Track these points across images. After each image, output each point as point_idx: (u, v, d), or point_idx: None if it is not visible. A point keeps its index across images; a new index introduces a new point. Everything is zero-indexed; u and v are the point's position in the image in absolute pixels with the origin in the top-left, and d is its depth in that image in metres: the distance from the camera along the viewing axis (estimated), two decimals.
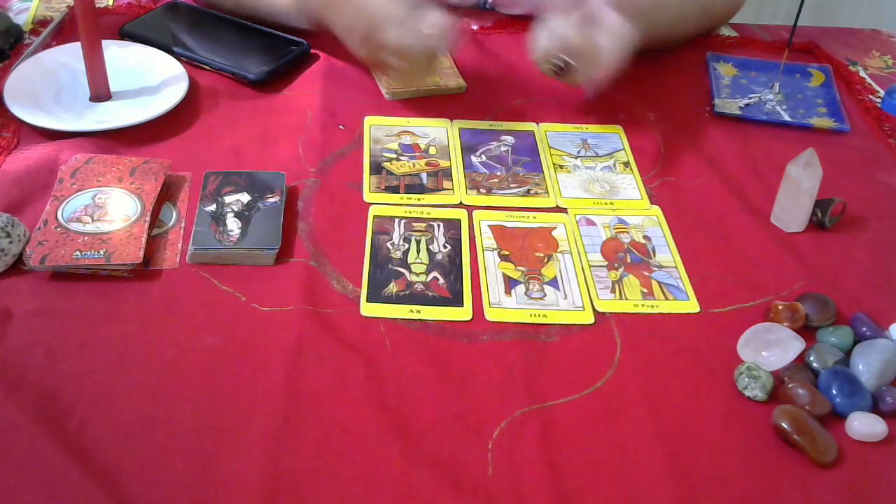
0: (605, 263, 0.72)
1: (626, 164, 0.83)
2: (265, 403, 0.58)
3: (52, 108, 0.81)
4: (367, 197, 0.76)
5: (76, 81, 0.84)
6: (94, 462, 0.53)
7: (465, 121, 0.87)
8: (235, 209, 0.72)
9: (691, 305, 0.68)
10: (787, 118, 0.91)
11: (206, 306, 0.65)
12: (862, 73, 1.01)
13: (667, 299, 0.69)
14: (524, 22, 1.03)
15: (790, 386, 0.61)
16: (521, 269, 0.70)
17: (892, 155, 0.88)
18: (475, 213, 0.75)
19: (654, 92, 0.94)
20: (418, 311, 0.66)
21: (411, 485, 0.54)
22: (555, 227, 0.75)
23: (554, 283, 0.69)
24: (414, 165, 0.80)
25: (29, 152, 0.77)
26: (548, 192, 0.79)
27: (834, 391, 0.61)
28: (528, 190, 0.79)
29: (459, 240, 0.73)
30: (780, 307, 0.67)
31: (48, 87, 0.84)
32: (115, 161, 0.75)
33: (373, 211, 0.75)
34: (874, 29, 1.12)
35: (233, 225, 0.70)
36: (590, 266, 0.71)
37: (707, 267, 0.72)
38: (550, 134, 0.86)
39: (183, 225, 0.71)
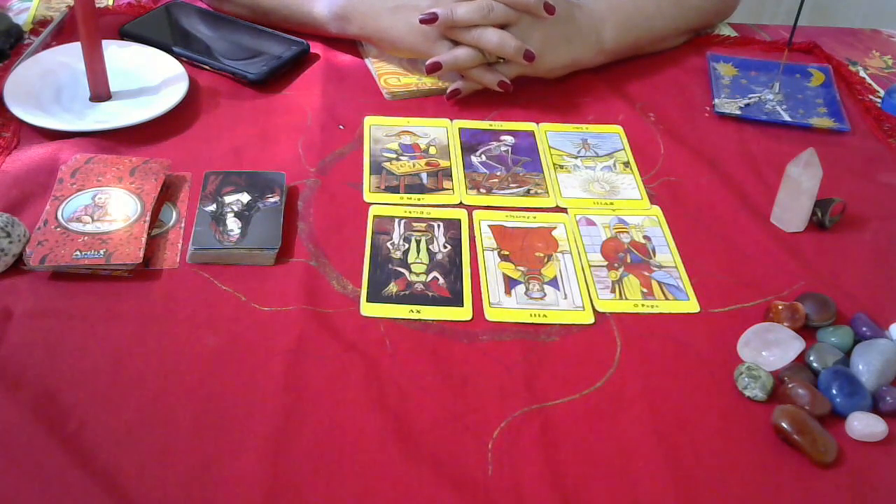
0: (605, 263, 0.72)
1: (626, 164, 0.83)
2: (265, 403, 0.58)
3: (52, 108, 0.81)
4: (367, 197, 0.76)
5: (76, 81, 0.84)
6: (94, 462, 0.53)
7: (465, 121, 0.87)
8: (235, 209, 0.72)
9: (691, 305, 0.68)
10: (787, 118, 0.91)
11: (206, 306, 0.65)
12: (862, 73, 1.01)
13: (667, 299, 0.69)
14: None
15: (790, 386, 0.61)
16: (521, 269, 0.70)
17: (892, 155, 0.87)
18: (475, 213, 0.75)
19: (654, 92, 0.94)
20: (418, 311, 0.66)
21: (411, 485, 0.54)
22: (555, 227, 0.75)
23: (554, 282, 0.69)
24: (414, 165, 0.80)
25: (29, 152, 0.77)
26: (548, 192, 0.79)
27: (834, 391, 0.61)
28: (528, 190, 0.79)
29: (459, 240, 0.73)
30: (780, 307, 0.67)
31: (48, 87, 0.84)
32: (115, 161, 0.75)
33: (373, 211, 0.75)
34: (874, 29, 1.12)
35: (233, 225, 0.70)
36: (590, 266, 0.71)
37: (707, 267, 0.72)
38: (550, 134, 0.86)
39: (183, 225, 0.71)
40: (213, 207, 0.72)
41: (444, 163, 0.81)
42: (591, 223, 0.76)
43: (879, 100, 0.95)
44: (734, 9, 1.05)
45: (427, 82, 0.90)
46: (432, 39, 0.86)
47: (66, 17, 0.96)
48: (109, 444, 0.55)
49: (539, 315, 0.66)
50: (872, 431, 0.59)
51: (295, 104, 0.87)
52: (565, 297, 0.68)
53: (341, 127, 0.84)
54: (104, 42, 0.82)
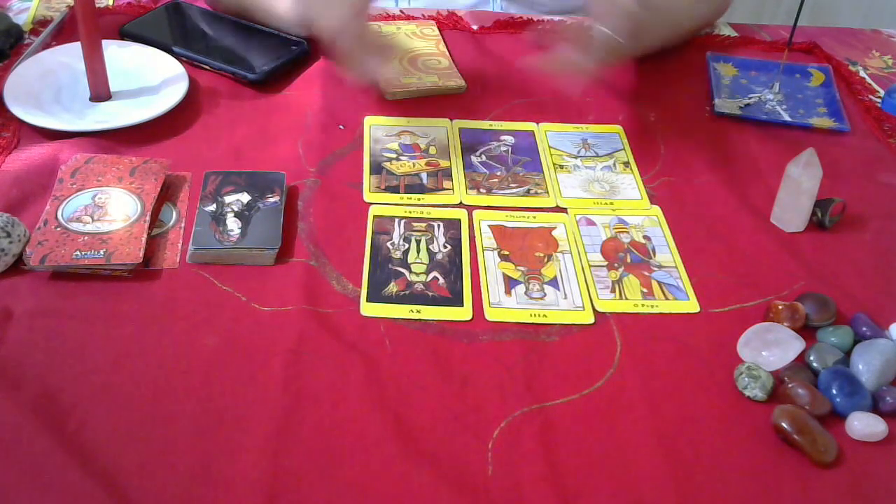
0: (605, 263, 0.72)
1: (626, 164, 0.83)
2: (265, 403, 0.58)
3: (52, 108, 0.81)
4: (367, 197, 0.76)
5: (76, 81, 0.84)
6: (94, 462, 0.53)
7: (465, 121, 0.87)
8: (235, 209, 0.72)
9: (691, 305, 0.68)
10: (787, 118, 0.91)
11: (206, 306, 0.65)
12: (862, 73, 1.01)
13: (667, 299, 0.69)
14: (524, 22, 1.03)
15: (790, 386, 0.61)
16: (521, 268, 0.70)
17: (892, 155, 0.88)
18: (475, 213, 0.75)
19: (654, 92, 0.94)
20: (418, 311, 0.66)
21: (411, 485, 0.54)
22: (555, 227, 0.75)
23: (554, 282, 0.69)
24: (414, 165, 0.80)
25: (29, 152, 0.77)
26: (548, 192, 0.79)
27: (834, 391, 0.61)
28: (528, 190, 0.79)
29: (459, 240, 0.73)
30: (780, 307, 0.67)
31: (48, 87, 0.84)
32: (115, 161, 0.75)
33: (373, 211, 0.75)
34: (874, 29, 1.12)
35: (233, 225, 0.70)
36: (590, 266, 0.71)
37: (707, 267, 0.72)
38: (550, 134, 0.86)
39: (183, 225, 0.71)
40: (213, 207, 0.72)
41: (444, 163, 0.81)
42: (591, 223, 0.76)
43: (879, 100, 0.95)
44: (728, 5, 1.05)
45: (427, 82, 0.90)
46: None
47: (66, 17, 0.96)
48: (109, 444, 0.55)
49: (539, 315, 0.66)
50: (872, 431, 0.59)
51: (295, 104, 0.87)
52: (565, 297, 0.68)
53: (341, 127, 0.84)
54: (104, 42, 0.82)
